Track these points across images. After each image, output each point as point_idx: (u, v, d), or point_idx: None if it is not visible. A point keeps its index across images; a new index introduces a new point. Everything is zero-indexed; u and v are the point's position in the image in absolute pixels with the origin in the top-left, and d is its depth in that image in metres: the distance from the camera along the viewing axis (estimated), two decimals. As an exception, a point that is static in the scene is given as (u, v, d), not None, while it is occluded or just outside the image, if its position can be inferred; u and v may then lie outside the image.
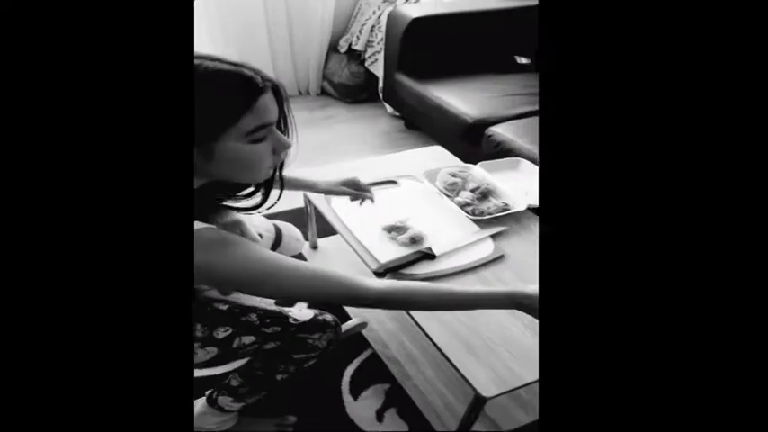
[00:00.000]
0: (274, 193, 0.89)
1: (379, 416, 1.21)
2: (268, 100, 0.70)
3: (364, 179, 1.38)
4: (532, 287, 0.86)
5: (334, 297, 0.81)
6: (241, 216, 0.96)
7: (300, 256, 1.57)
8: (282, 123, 0.78)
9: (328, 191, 1.19)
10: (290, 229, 1.04)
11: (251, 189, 0.89)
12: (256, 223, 1.06)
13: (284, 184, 1.06)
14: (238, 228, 0.93)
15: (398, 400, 1.24)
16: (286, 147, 0.76)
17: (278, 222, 1.08)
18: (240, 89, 0.68)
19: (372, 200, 1.20)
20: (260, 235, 0.94)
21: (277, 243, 1.00)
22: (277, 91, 0.73)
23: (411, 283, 0.84)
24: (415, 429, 1.18)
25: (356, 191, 1.18)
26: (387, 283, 0.82)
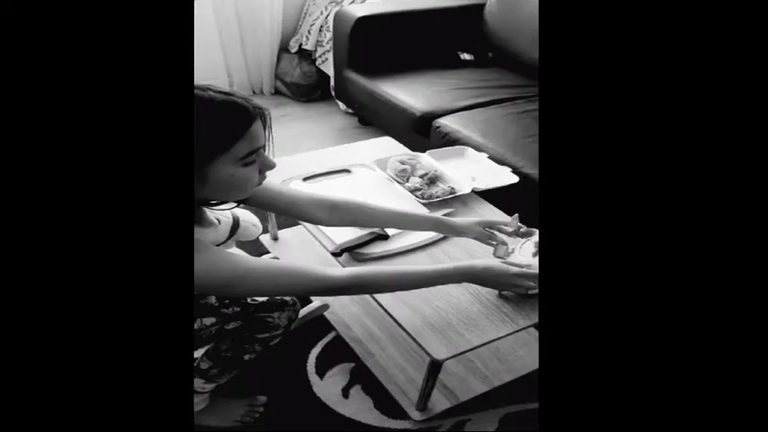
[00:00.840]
0: None
1: (345, 393, 1.28)
2: (258, 126, 0.76)
3: (319, 168, 1.45)
4: (479, 261, 0.97)
5: (303, 290, 0.86)
6: None
7: (258, 243, 1.62)
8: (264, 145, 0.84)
9: (463, 233, 1.17)
10: (247, 215, 1.10)
11: None
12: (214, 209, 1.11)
13: (399, 224, 1.13)
14: (196, 212, 0.98)
15: (363, 377, 1.31)
16: (271, 167, 0.82)
17: (235, 209, 1.13)
18: (234, 118, 0.73)
19: (506, 244, 1.18)
20: (218, 220, 1.00)
21: (234, 228, 1.06)
22: (263, 116, 0.78)
23: (372, 269, 0.91)
24: (379, 403, 1.26)
25: (491, 230, 1.18)
26: (350, 271, 0.89)
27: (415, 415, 1.22)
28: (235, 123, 0.73)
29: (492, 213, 1.37)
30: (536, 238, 1.13)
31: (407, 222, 1.15)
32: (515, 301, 1.10)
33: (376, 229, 1.23)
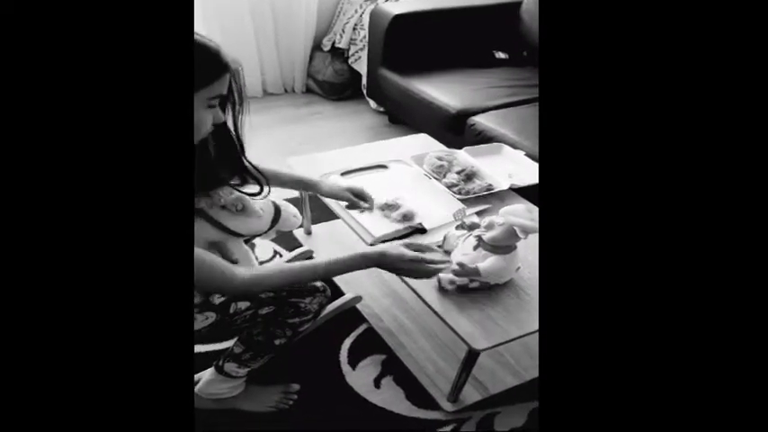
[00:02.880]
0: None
1: (377, 383, 1.30)
2: (226, 77, 0.84)
3: (356, 164, 1.47)
4: (376, 247, 1.00)
5: (209, 285, 0.88)
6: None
7: (292, 237, 1.65)
8: (239, 101, 0.90)
9: (331, 194, 1.25)
10: (287, 206, 1.12)
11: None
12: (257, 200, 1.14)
13: (275, 181, 1.14)
14: (240, 202, 1.00)
15: (394, 368, 1.32)
16: (219, 120, 0.87)
17: (276, 200, 1.16)
18: (218, 60, 0.81)
19: (371, 210, 1.28)
20: (261, 209, 1.03)
21: (276, 218, 1.09)
22: (234, 69, 0.86)
23: (271, 269, 0.93)
24: (411, 394, 1.27)
25: (358, 199, 1.25)
26: (251, 275, 0.90)
27: (447, 406, 1.23)
28: (214, 64, 0.81)
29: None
30: (478, 231, 1.12)
31: (283, 182, 1.21)
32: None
33: (414, 223, 1.24)
